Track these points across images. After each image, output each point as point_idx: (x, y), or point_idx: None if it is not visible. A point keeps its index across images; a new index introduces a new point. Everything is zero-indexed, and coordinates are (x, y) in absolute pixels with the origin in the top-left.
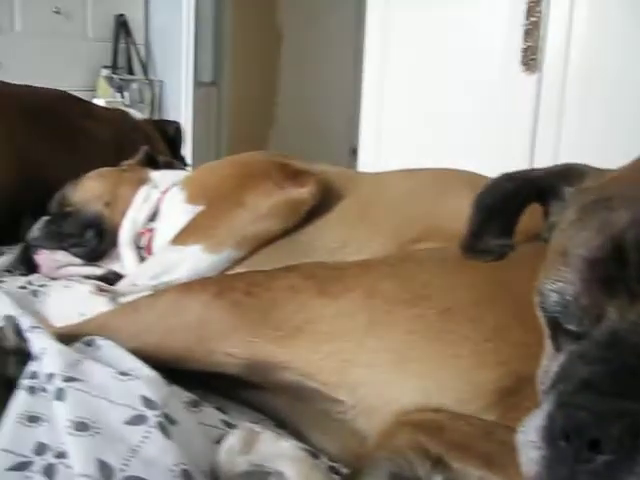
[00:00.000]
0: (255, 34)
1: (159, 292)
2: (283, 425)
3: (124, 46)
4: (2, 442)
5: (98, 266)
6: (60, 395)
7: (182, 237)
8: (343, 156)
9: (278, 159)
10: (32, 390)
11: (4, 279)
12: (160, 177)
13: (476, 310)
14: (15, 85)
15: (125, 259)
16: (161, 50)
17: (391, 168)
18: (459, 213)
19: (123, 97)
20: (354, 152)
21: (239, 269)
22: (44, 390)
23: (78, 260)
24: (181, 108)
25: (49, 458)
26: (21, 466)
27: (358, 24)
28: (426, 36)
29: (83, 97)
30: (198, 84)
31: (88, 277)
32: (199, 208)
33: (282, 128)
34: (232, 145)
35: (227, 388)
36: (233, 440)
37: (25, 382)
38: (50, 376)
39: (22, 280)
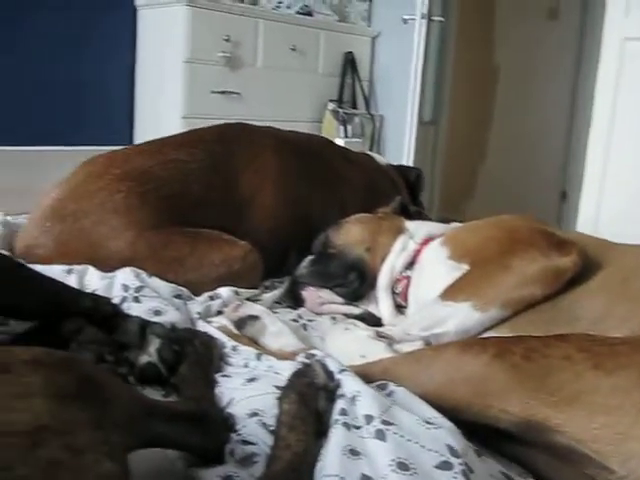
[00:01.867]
0: (473, 75)
1: (440, 347)
2: None
3: (350, 82)
4: (334, 470)
5: (356, 306)
6: (380, 436)
7: (452, 294)
8: (552, 199)
9: (538, 225)
10: (347, 426)
11: (277, 310)
12: (415, 228)
13: None
14: (289, 132)
15: (381, 302)
16: (384, 87)
17: (609, 217)
18: None
19: (346, 130)
20: (564, 196)
21: (502, 329)
22: (357, 428)
23: (339, 299)
24: (402, 144)
25: None
26: None
27: (577, 70)
28: None
29: (310, 128)
30: (420, 122)
31: (346, 315)
32: (463, 266)
33: (492, 168)
34: (444, 182)
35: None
36: None
37: (339, 418)
38: (369, 417)
39: (293, 313)
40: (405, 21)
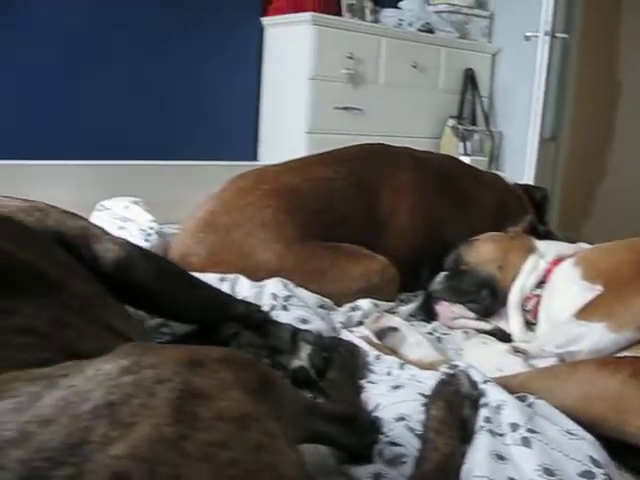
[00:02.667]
0: (595, 91)
1: (576, 363)
2: None
3: (470, 98)
4: (482, 471)
5: (487, 322)
6: (526, 443)
7: (586, 313)
8: None
9: None
10: (491, 433)
11: (412, 323)
12: (545, 247)
13: None
14: (424, 152)
15: (511, 319)
16: (504, 103)
17: None
18: None
19: (465, 147)
20: None
21: (636, 351)
22: (501, 435)
23: (471, 314)
24: (522, 161)
25: None
26: None
27: None
28: None
29: (429, 144)
30: (540, 139)
31: (477, 330)
32: (596, 287)
33: (613, 186)
34: (563, 200)
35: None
36: None
37: (484, 425)
38: (514, 425)
39: (427, 327)
40: (527, 38)
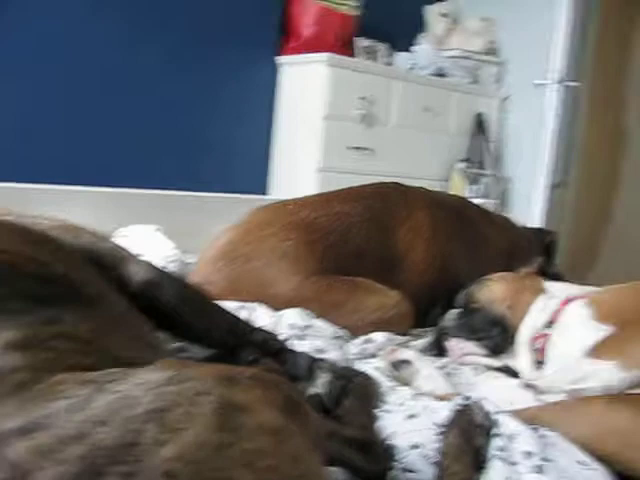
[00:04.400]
0: (604, 137)
1: (588, 398)
2: None
3: (479, 142)
4: None
5: (497, 359)
6: (539, 471)
7: (597, 352)
8: None
9: None
10: (504, 461)
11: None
12: (555, 289)
13: None
14: (437, 192)
15: (519, 357)
16: (512, 149)
17: None
18: None
19: (473, 190)
20: None
21: None
22: (514, 464)
23: (480, 350)
24: (529, 206)
25: None
26: None
27: None
28: None
29: (437, 186)
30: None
31: (486, 367)
32: (608, 327)
33: (620, 234)
34: (570, 245)
35: None
36: None
37: (497, 454)
38: (528, 454)
39: (438, 362)
40: (536, 86)
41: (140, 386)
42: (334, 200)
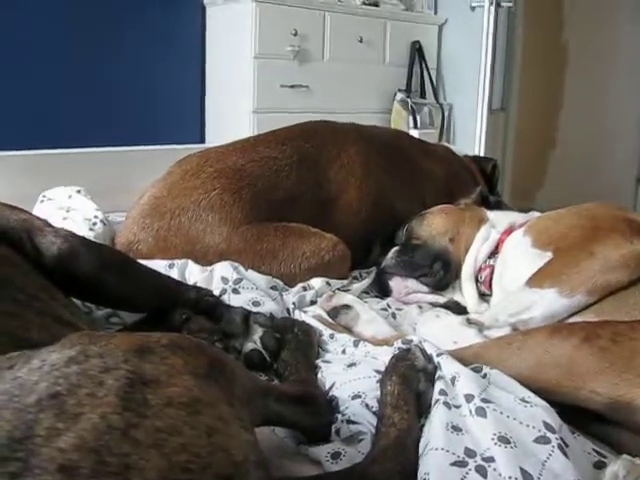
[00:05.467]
0: (542, 59)
1: (529, 331)
2: None
3: (418, 71)
4: (439, 443)
5: (441, 295)
6: (481, 413)
7: (537, 280)
8: (627, 185)
9: (620, 212)
10: (447, 405)
11: (365, 300)
12: (497, 218)
13: None
14: (370, 127)
15: (465, 291)
16: (452, 75)
17: None
18: None
19: (415, 120)
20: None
21: (588, 314)
22: (457, 407)
23: (425, 288)
24: (472, 133)
25: (478, 461)
26: (460, 464)
27: None
28: None
29: (378, 119)
30: (489, 110)
31: (432, 304)
32: (547, 254)
33: (564, 154)
34: (515, 170)
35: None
36: (616, 468)
37: (440, 398)
38: (469, 397)
39: (381, 303)
40: (473, 8)
41: (38, 370)
42: (261, 144)
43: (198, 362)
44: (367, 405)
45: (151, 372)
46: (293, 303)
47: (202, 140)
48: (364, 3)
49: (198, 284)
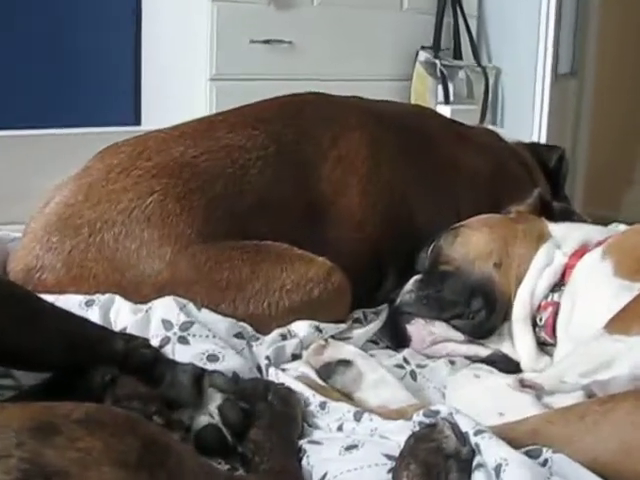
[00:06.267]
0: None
1: (611, 399)
2: None
3: (450, 21)
4: None
5: (482, 345)
6: None
7: (623, 324)
8: None
9: None
10: None
11: (373, 352)
12: (563, 233)
13: None
14: (379, 102)
15: (518, 339)
16: (500, 28)
17: None
18: None
19: (446, 91)
20: None
21: None
22: None
23: (458, 335)
24: (530, 108)
25: None
26: None
27: None
28: None
29: (393, 89)
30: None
31: (469, 358)
32: (636, 285)
33: None
34: (591, 161)
35: None
36: None
37: None
38: None
39: (396, 357)
40: None
41: None
42: (222, 127)
43: (126, 446)
44: None
45: (56, 462)
46: (267, 357)
47: (137, 121)
48: None
49: (129, 330)
